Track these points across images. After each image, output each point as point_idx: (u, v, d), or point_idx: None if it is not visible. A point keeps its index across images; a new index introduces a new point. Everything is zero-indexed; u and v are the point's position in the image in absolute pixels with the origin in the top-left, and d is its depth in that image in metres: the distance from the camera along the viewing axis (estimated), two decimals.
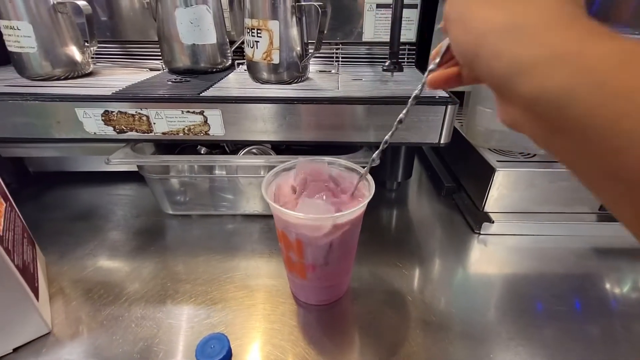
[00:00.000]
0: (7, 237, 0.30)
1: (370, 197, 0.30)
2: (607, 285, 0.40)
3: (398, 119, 0.26)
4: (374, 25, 0.57)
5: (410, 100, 0.25)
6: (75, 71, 0.49)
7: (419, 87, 0.24)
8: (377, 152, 0.29)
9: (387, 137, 0.28)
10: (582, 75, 0.13)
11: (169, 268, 0.41)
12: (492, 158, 0.46)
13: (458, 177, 0.55)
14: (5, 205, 0.33)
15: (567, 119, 0.14)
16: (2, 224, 0.31)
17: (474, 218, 0.48)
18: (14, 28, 0.44)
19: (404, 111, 0.26)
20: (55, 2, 0.45)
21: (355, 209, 0.28)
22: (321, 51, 0.48)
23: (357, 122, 0.42)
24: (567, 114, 0.14)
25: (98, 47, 0.52)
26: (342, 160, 0.35)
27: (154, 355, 0.31)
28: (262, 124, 0.42)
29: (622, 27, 0.38)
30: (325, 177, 0.32)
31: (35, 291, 0.32)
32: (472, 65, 0.18)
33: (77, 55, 0.49)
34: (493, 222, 0.45)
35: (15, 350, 0.31)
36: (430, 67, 0.23)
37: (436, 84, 0.24)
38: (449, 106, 0.40)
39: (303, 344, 0.32)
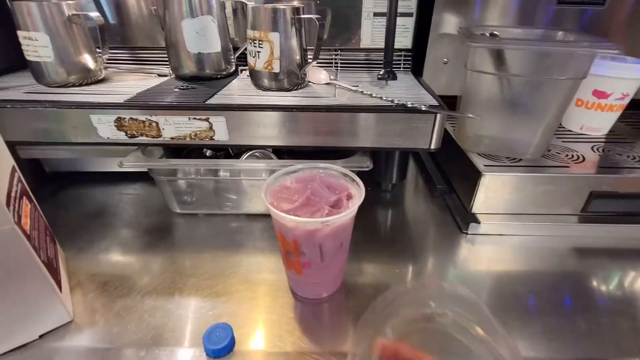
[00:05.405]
0: (33, 236, 0.34)
1: (360, 201, 0.33)
2: (588, 283, 0.42)
3: None
4: (372, 33, 0.60)
5: None
6: (88, 78, 0.52)
7: None
8: None
9: None
10: None
11: (177, 263, 0.44)
12: (479, 162, 0.48)
13: (450, 179, 0.57)
14: (30, 205, 0.37)
15: None
16: (29, 223, 0.34)
17: (463, 219, 0.50)
18: (32, 39, 0.47)
19: None
20: (70, 14, 0.48)
21: (346, 213, 0.31)
22: (321, 57, 0.50)
23: (352, 129, 0.45)
24: None
25: (109, 53, 0.55)
26: (337, 167, 0.38)
27: (165, 342, 0.34)
28: (264, 129, 0.45)
29: (603, 41, 0.41)
30: (323, 186, 0.35)
31: (59, 284, 0.36)
32: None
33: (91, 63, 0.52)
34: (480, 222, 0.48)
35: (41, 336, 0.34)
36: None
37: None
38: (438, 115, 0.43)
39: (299, 334, 0.35)
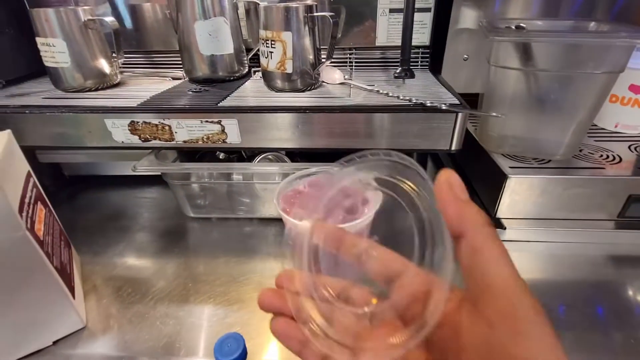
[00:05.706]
0: (47, 241, 0.34)
1: (377, 207, 0.31)
2: (624, 293, 0.39)
3: None
4: (387, 30, 0.58)
5: None
6: (104, 82, 0.52)
7: None
8: None
9: None
10: None
11: (190, 269, 0.44)
12: (504, 164, 0.45)
13: (471, 182, 0.55)
14: (45, 211, 0.37)
15: None
16: (43, 229, 0.34)
17: None
18: (49, 45, 0.48)
19: None
20: (86, 20, 0.48)
21: (362, 220, 0.29)
22: (335, 56, 0.49)
23: (368, 130, 0.43)
24: None
25: (124, 58, 0.55)
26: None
27: (176, 351, 0.33)
28: (276, 132, 0.44)
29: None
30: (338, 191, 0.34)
31: (72, 290, 0.36)
32: None
33: (106, 68, 0.52)
34: (505, 228, 0.45)
35: (54, 343, 0.34)
36: None
37: None
38: (460, 114, 0.41)
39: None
